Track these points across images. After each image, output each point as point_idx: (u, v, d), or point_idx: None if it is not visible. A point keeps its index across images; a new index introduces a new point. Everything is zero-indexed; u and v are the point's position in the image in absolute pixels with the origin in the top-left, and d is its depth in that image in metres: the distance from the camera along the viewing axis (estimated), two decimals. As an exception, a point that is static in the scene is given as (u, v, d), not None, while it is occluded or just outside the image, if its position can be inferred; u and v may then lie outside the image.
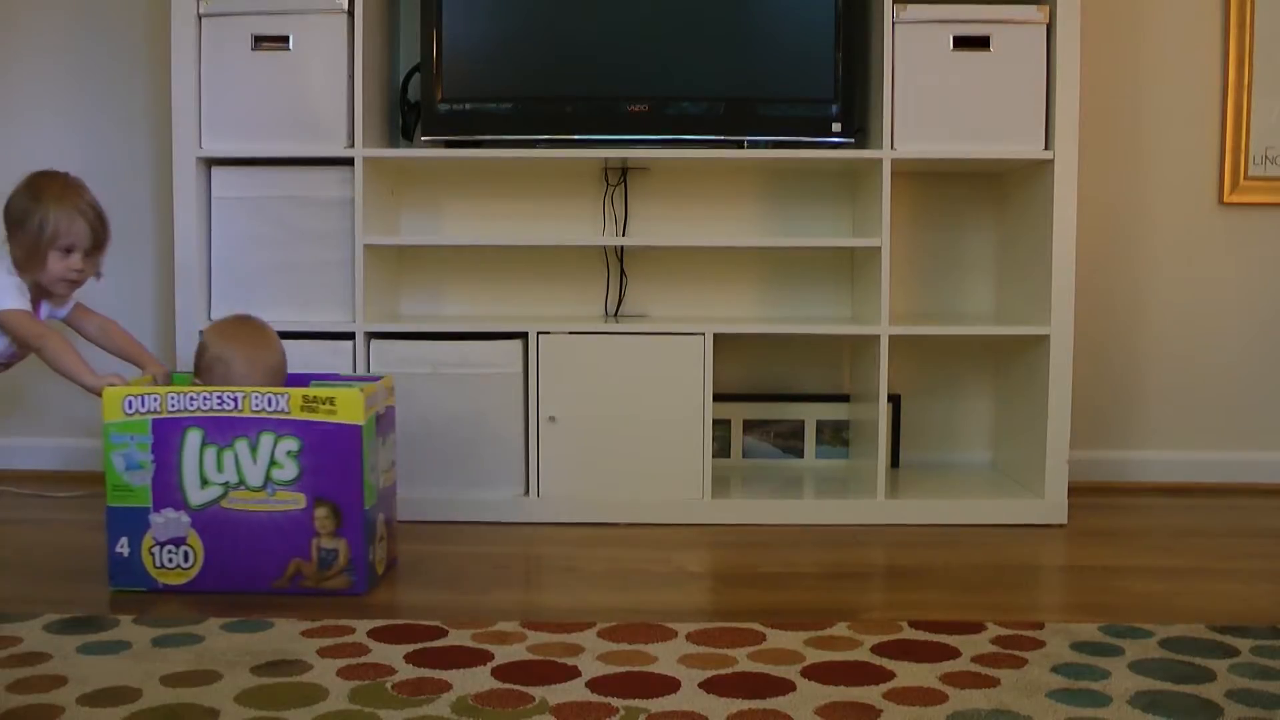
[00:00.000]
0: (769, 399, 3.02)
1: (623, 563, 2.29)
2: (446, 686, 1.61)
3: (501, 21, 2.70)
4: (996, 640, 1.81)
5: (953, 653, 1.75)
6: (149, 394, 2.06)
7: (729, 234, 2.96)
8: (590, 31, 2.70)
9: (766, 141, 2.68)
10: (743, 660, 1.72)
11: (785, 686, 1.62)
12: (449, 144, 2.69)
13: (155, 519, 2.06)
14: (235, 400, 2.04)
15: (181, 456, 2.05)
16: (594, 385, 2.62)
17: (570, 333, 2.63)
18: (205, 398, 2.04)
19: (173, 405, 2.05)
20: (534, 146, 2.67)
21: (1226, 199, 3.02)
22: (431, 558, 2.32)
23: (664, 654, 1.74)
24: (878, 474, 2.64)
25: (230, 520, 2.06)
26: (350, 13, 2.60)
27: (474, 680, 1.63)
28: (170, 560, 2.07)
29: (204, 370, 2.19)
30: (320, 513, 2.05)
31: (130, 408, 2.05)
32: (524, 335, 2.62)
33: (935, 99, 2.60)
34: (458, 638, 1.81)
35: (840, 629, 1.86)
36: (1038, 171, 2.68)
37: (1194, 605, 2.04)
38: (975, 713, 1.53)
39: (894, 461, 3.00)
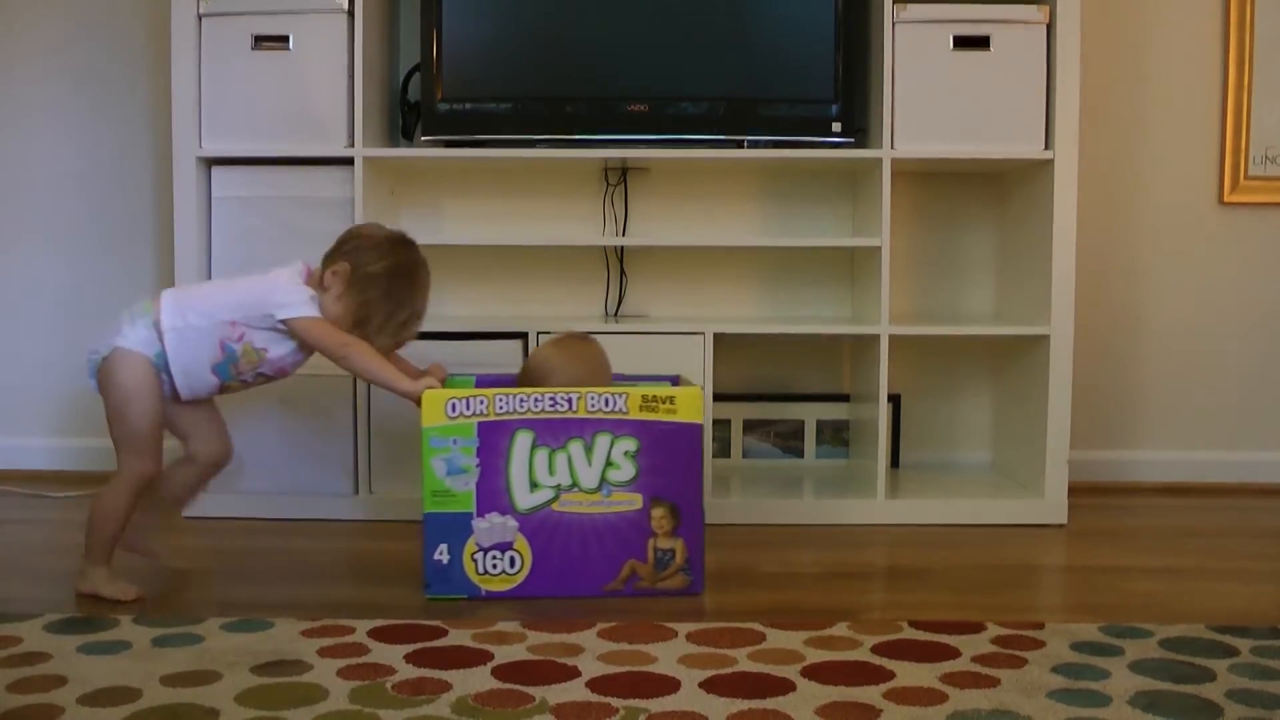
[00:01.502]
0: (769, 399, 3.02)
1: (623, 563, 2.29)
2: (446, 686, 1.61)
3: (501, 21, 2.70)
4: (996, 640, 1.80)
5: (953, 653, 1.75)
6: (475, 397, 2.01)
7: (729, 234, 2.96)
8: (590, 31, 2.70)
9: (766, 141, 2.68)
10: (743, 660, 1.72)
11: (785, 686, 1.61)
12: (449, 144, 2.69)
13: (479, 524, 2.02)
14: (569, 401, 2.01)
15: (510, 460, 2.01)
16: (594, 385, 2.61)
17: (570, 333, 2.63)
18: (537, 399, 2.00)
19: (501, 407, 2.00)
20: (534, 146, 2.67)
21: (1226, 199, 3.02)
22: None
23: (664, 654, 1.74)
24: (878, 474, 2.64)
25: (562, 523, 2.02)
26: (350, 13, 2.60)
27: (474, 680, 1.63)
28: (495, 566, 2.02)
29: None
30: (657, 513, 2.03)
31: (454, 411, 2.00)
32: (524, 335, 2.62)
33: (935, 99, 2.61)
34: (458, 638, 1.81)
35: (840, 629, 1.86)
36: (1038, 171, 2.68)
37: (1194, 605, 2.04)
38: (975, 713, 1.53)
39: (894, 461, 3.00)
